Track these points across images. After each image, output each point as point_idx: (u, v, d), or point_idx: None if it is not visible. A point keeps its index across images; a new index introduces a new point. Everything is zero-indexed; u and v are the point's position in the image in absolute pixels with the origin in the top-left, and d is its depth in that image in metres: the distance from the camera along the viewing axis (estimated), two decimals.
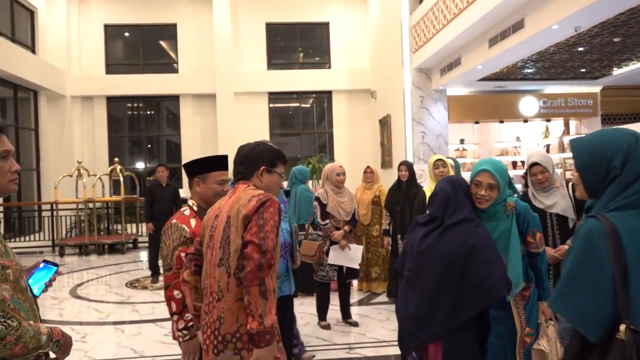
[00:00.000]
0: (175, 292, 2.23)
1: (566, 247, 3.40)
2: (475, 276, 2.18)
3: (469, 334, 2.24)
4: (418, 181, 5.48)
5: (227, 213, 1.95)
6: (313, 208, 4.74)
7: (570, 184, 3.37)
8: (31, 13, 11.65)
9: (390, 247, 5.41)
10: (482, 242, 2.23)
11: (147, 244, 10.30)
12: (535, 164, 3.32)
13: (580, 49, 7.63)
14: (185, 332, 2.24)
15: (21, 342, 1.42)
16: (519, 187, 5.89)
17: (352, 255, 4.58)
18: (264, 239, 1.84)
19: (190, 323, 2.24)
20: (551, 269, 3.48)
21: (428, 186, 4.09)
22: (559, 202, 3.30)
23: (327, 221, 4.62)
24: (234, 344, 1.86)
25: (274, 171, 2.07)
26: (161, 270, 7.18)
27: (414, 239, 2.38)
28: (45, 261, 1.80)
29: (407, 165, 5.34)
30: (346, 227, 4.60)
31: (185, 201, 7.88)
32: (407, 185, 5.24)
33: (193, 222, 2.32)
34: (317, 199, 4.67)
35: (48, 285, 1.76)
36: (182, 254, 2.21)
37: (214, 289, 1.93)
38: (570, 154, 11.21)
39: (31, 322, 1.47)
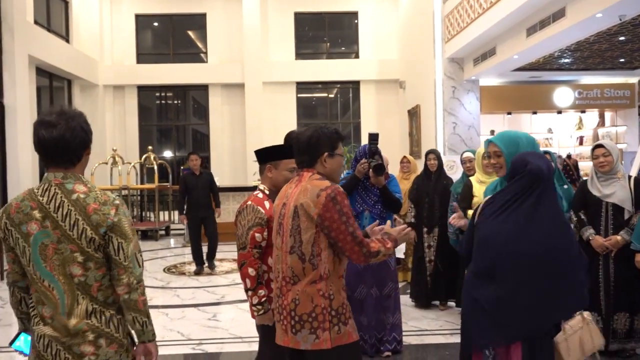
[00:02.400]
0: (250, 270, 2.34)
1: (618, 237, 3.36)
2: (569, 280, 2.09)
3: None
4: (448, 173, 5.37)
5: (294, 203, 2.03)
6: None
7: (632, 177, 3.33)
8: (65, 3, 11.85)
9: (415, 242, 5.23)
10: (574, 245, 2.14)
11: (179, 232, 10.50)
12: (599, 145, 3.30)
13: (622, 38, 7.47)
14: (259, 307, 2.36)
15: (144, 295, 1.46)
16: None
17: None
18: (354, 232, 1.96)
19: (264, 298, 2.35)
20: (601, 259, 3.44)
21: (475, 177, 4.07)
22: (617, 192, 3.27)
23: None
24: (310, 323, 1.95)
25: (336, 154, 2.13)
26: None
27: (488, 220, 2.25)
28: None
29: (436, 154, 5.01)
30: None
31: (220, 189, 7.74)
32: (436, 176, 4.95)
33: (267, 204, 2.45)
34: None
35: None
36: (257, 234, 2.34)
37: (287, 274, 2.01)
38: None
39: None
